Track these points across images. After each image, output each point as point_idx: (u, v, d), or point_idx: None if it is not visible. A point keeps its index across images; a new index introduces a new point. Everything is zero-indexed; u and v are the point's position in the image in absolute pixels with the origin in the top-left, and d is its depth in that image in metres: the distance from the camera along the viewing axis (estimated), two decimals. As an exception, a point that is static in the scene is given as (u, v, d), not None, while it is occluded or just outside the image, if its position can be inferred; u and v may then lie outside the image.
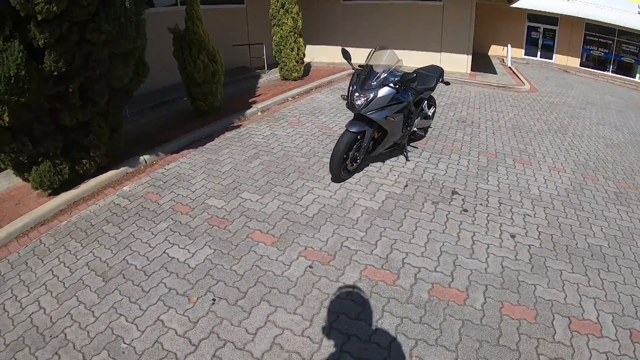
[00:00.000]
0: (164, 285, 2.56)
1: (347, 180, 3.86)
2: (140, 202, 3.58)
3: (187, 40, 5.29)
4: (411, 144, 4.81)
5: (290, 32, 7.90)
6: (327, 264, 2.71)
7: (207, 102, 5.76)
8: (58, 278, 2.69)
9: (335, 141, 3.71)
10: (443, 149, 4.77)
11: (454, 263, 2.75)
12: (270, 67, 9.62)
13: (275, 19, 7.91)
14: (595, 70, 15.64)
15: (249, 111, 6.11)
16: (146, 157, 4.39)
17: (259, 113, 6.25)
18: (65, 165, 3.58)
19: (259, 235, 3.03)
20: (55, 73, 3.12)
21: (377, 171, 4.09)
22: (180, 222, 3.23)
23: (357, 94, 3.54)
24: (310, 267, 2.68)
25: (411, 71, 3.70)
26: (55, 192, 3.64)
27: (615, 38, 15.50)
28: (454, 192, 3.73)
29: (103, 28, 3.26)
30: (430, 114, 4.78)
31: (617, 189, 4.09)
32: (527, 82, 9.98)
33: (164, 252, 2.88)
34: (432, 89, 4.50)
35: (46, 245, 3.05)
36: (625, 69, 15.72)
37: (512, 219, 3.37)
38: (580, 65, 16.16)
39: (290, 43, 8.00)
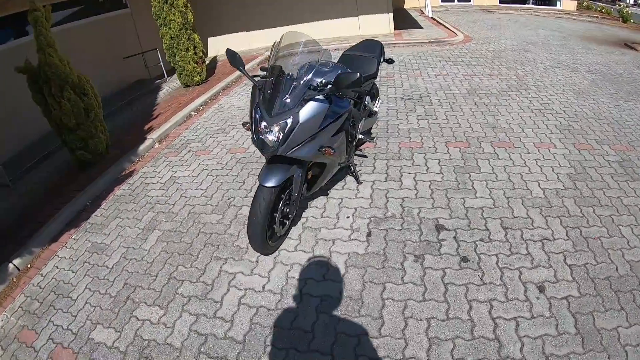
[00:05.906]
0: None
1: (282, 247, 2.61)
2: (14, 352, 2.20)
3: (43, 77, 3.76)
4: (357, 152, 3.59)
5: (181, 29, 6.31)
6: None
7: (88, 150, 4.21)
8: None
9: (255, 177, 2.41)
10: (400, 149, 3.67)
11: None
12: (170, 74, 7.95)
13: (160, 17, 6.28)
14: (517, 5, 15.28)
15: (142, 146, 4.60)
16: (16, 261, 2.90)
17: (156, 145, 4.76)
18: None
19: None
20: None
21: (322, 215, 2.87)
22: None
23: (264, 124, 2.17)
24: None
25: (336, 60, 2.44)
26: None
27: (535, -32, 15.16)
28: (438, 228, 2.64)
29: None
30: (376, 109, 3.59)
31: (618, 157, 3.29)
32: (458, 31, 9.15)
33: None
34: (375, 76, 3.28)
35: None
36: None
37: (529, 253, 2.33)
38: (500, 2, 15.72)
39: (184, 42, 6.41)
